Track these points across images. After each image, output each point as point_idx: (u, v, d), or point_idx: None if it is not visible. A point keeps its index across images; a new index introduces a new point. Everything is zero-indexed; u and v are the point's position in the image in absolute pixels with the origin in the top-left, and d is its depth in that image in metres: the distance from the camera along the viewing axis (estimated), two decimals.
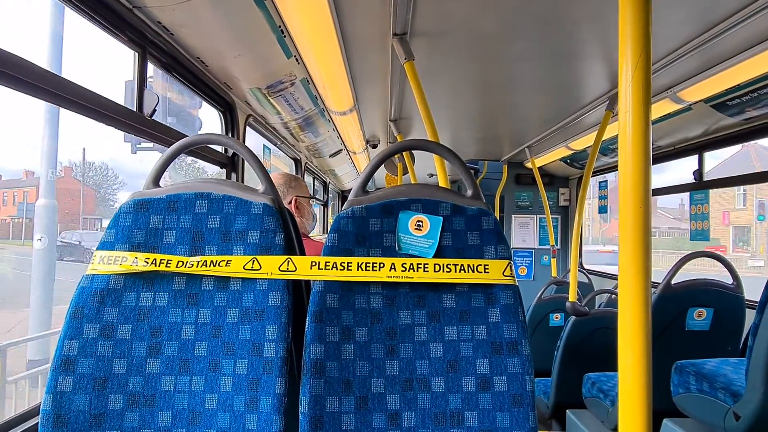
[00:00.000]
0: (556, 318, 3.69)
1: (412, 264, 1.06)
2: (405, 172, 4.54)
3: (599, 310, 3.06)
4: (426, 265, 1.06)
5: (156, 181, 1.14)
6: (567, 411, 3.08)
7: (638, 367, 0.75)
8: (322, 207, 6.75)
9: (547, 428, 3.33)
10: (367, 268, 1.05)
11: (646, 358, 0.75)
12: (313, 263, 1.05)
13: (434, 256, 1.07)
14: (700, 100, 2.57)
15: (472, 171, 4.63)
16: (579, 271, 4.41)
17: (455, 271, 1.06)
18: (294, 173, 4.05)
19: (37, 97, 1.26)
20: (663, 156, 3.69)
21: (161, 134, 1.76)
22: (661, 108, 2.78)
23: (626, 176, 0.76)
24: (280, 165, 4.23)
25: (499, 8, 1.78)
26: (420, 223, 1.09)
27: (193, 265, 1.05)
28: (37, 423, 0.99)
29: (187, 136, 1.17)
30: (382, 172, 5.52)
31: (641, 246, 0.76)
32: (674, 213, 34.74)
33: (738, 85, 2.28)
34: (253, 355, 1.01)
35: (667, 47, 2.06)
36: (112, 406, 0.99)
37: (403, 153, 3.99)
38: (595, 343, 2.93)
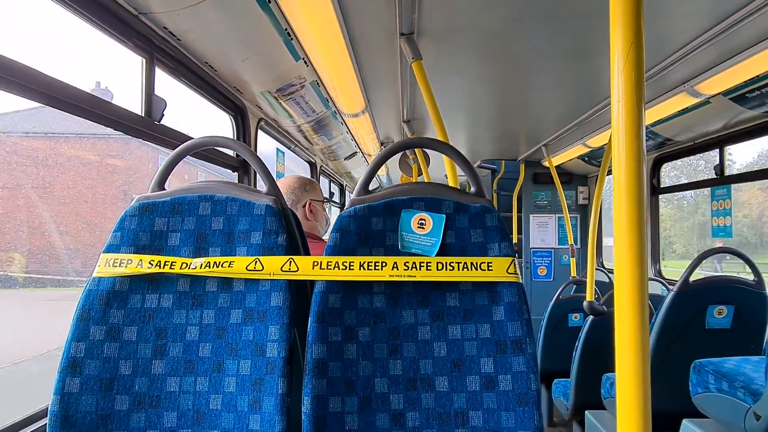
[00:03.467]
0: (575, 318, 3.62)
1: (414, 263, 1.05)
2: (420, 173, 4.51)
3: None
4: (429, 264, 1.05)
5: (161, 183, 1.15)
6: (586, 412, 3.02)
7: (635, 368, 0.73)
8: (339, 209, 6.75)
9: (567, 430, 3.27)
10: (369, 268, 1.04)
11: (643, 360, 0.72)
12: (315, 263, 1.05)
13: (437, 255, 1.06)
14: (719, 93, 2.51)
15: (489, 170, 4.53)
16: (599, 269, 4.32)
17: (458, 269, 1.04)
18: (309, 176, 4.07)
19: (51, 106, 1.28)
20: (682, 151, 3.60)
21: (169, 138, 1.78)
22: (678, 102, 2.71)
23: (619, 170, 0.74)
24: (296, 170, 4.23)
25: (507, 5, 1.76)
26: (422, 222, 1.08)
27: (196, 266, 1.06)
28: (45, 424, 1.00)
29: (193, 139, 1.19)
30: (398, 173, 5.50)
31: (636, 243, 0.73)
32: None
33: (757, 76, 2.21)
34: (256, 356, 1.01)
35: (681, 40, 2.02)
36: (118, 407, 1.00)
37: (417, 153, 3.97)
38: (613, 343, 2.85)
